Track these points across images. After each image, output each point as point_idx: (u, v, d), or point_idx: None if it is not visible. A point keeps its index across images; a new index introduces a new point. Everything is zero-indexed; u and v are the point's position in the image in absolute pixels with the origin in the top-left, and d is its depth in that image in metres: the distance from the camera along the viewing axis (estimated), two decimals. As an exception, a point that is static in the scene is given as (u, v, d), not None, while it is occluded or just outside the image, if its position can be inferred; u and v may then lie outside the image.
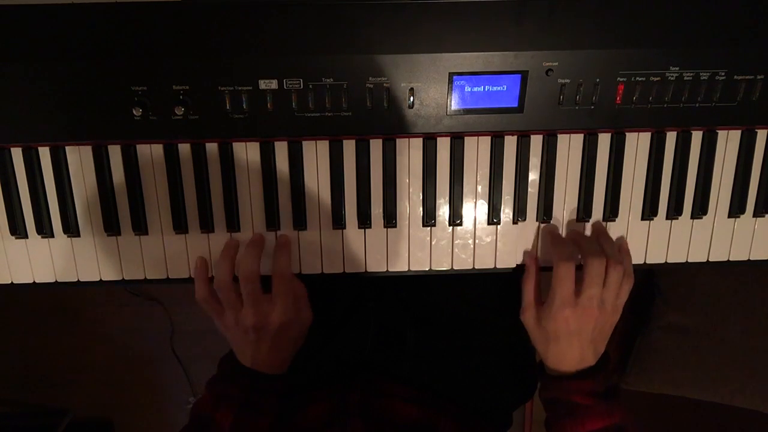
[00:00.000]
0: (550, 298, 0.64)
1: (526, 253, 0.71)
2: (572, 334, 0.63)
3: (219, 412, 0.63)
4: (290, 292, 0.66)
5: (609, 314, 0.64)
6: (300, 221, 0.68)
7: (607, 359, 0.67)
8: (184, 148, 0.66)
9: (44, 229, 0.67)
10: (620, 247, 0.70)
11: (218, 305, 0.67)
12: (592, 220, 0.71)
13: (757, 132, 0.69)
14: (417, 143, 0.67)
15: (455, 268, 0.72)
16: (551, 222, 0.70)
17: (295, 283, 0.69)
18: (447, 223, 0.70)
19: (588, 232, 0.71)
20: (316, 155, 0.67)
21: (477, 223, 0.70)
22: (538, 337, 0.67)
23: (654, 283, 1.36)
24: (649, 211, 0.70)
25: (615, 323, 0.65)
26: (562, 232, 0.71)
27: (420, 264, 0.71)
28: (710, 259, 0.73)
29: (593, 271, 0.63)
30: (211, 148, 0.66)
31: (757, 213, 0.72)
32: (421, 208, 0.69)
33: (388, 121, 0.63)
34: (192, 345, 1.73)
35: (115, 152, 0.66)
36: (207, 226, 0.68)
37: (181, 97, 0.61)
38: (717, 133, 0.69)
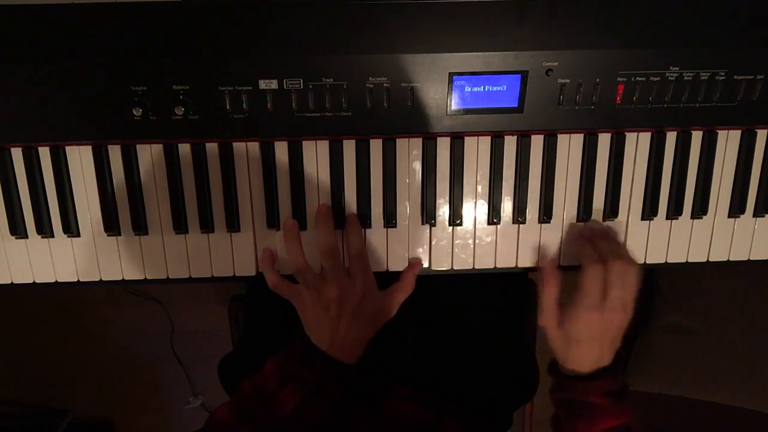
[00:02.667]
0: (578, 300, 0.64)
1: (543, 256, 0.71)
2: (595, 337, 0.63)
3: (286, 391, 0.62)
4: (367, 270, 0.67)
5: (628, 314, 0.64)
6: (300, 221, 0.68)
7: (620, 358, 0.67)
8: (184, 148, 0.66)
9: (44, 229, 0.67)
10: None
11: (293, 287, 0.67)
12: (592, 220, 0.71)
13: (757, 132, 0.69)
14: (417, 143, 0.67)
15: (455, 268, 0.72)
16: (551, 222, 0.70)
17: (412, 281, 0.70)
18: (447, 223, 0.70)
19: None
20: (316, 155, 0.67)
21: (477, 223, 0.70)
22: (559, 340, 0.66)
23: (654, 283, 1.36)
24: (649, 211, 0.70)
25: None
26: (561, 232, 0.71)
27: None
28: (710, 259, 0.73)
29: (617, 272, 0.63)
30: (211, 148, 0.66)
31: (757, 213, 0.72)
32: (421, 208, 0.69)
33: (388, 121, 0.63)
34: (192, 345, 1.73)
35: (115, 152, 0.66)
36: (207, 226, 0.68)
37: (181, 97, 0.61)
38: (717, 133, 0.69)
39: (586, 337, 0.63)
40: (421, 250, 0.71)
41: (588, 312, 0.62)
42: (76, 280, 0.70)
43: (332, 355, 0.64)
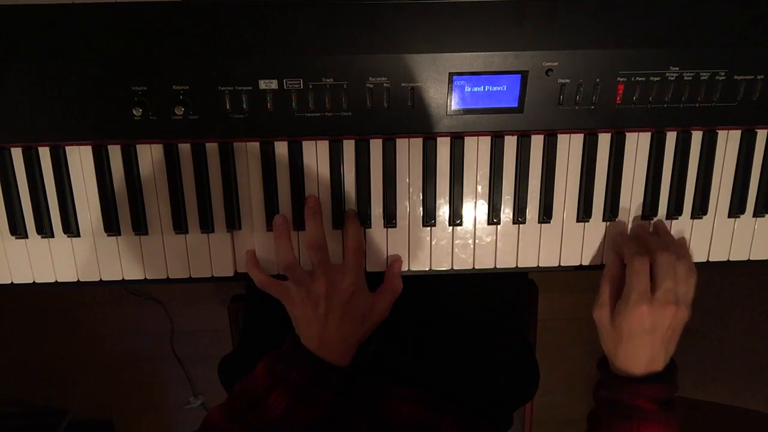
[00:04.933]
0: (626, 294, 0.62)
1: (607, 250, 0.70)
2: (646, 332, 0.61)
3: (274, 394, 0.61)
4: (360, 267, 0.66)
5: (683, 311, 0.62)
6: (300, 221, 0.68)
7: (675, 366, 0.66)
8: (184, 148, 0.66)
9: (44, 229, 0.67)
10: (681, 243, 0.70)
11: (281, 285, 0.67)
12: (592, 220, 0.71)
13: (757, 132, 0.69)
14: (417, 143, 0.67)
15: (455, 268, 0.72)
16: (551, 222, 0.70)
17: (396, 282, 0.69)
18: (447, 223, 0.70)
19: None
20: (316, 155, 0.67)
21: (477, 223, 0.70)
22: (610, 336, 0.65)
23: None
24: (649, 212, 0.70)
25: (686, 321, 0.64)
26: (561, 232, 0.71)
27: (420, 264, 0.71)
28: (710, 259, 0.73)
29: (665, 264, 0.62)
30: (211, 148, 0.66)
31: (757, 213, 0.72)
32: (421, 208, 0.69)
33: (388, 121, 0.63)
34: (192, 345, 1.73)
35: (115, 152, 0.66)
36: (207, 226, 0.68)
37: (181, 97, 0.61)
38: (717, 133, 0.69)
39: (635, 331, 0.62)
40: (421, 250, 0.71)
41: (635, 306, 0.61)
42: (76, 280, 0.70)
43: (321, 355, 0.64)
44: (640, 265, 0.62)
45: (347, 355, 0.67)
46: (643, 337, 0.62)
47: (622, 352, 0.64)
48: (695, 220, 0.72)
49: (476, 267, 0.72)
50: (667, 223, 0.71)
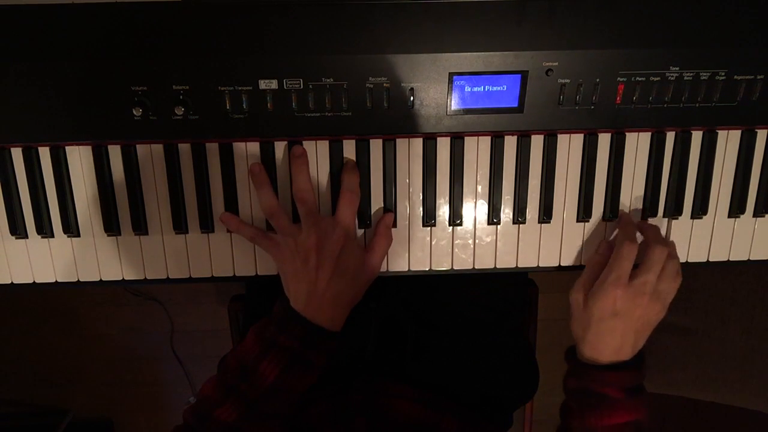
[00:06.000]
0: (604, 275, 0.63)
1: (600, 244, 0.70)
2: (616, 316, 0.62)
3: (266, 361, 0.60)
4: (353, 218, 0.65)
5: (657, 307, 0.63)
6: (299, 220, 0.68)
7: (642, 357, 0.66)
8: (184, 148, 0.66)
9: (44, 229, 0.67)
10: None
11: (271, 237, 0.66)
12: (592, 220, 0.71)
13: (757, 132, 0.69)
14: (417, 143, 0.67)
15: (455, 268, 0.72)
16: (551, 222, 0.70)
17: (387, 234, 0.67)
18: (447, 223, 0.70)
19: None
20: (316, 155, 0.67)
21: (477, 223, 0.70)
22: (581, 318, 0.65)
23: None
24: (649, 212, 0.70)
25: (660, 320, 0.64)
26: (561, 232, 0.71)
27: (420, 264, 0.71)
28: (710, 259, 0.73)
29: (655, 257, 0.62)
30: (211, 148, 0.66)
31: (757, 213, 0.72)
32: (421, 208, 0.69)
33: (388, 121, 0.63)
34: (192, 345, 1.73)
35: (115, 152, 0.66)
36: (207, 226, 0.68)
37: (181, 97, 0.61)
38: (717, 133, 0.69)
39: (605, 314, 0.62)
40: (421, 250, 0.71)
41: (610, 288, 0.62)
42: (76, 280, 0.70)
43: (309, 315, 0.62)
44: (628, 252, 0.63)
45: (338, 318, 0.65)
46: (612, 321, 0.62)
47: (591, 336, 0.64)
48: (695, 220, 0.72)
49: (476, 267, 0.72)
50: (667, 222, 0.71)
